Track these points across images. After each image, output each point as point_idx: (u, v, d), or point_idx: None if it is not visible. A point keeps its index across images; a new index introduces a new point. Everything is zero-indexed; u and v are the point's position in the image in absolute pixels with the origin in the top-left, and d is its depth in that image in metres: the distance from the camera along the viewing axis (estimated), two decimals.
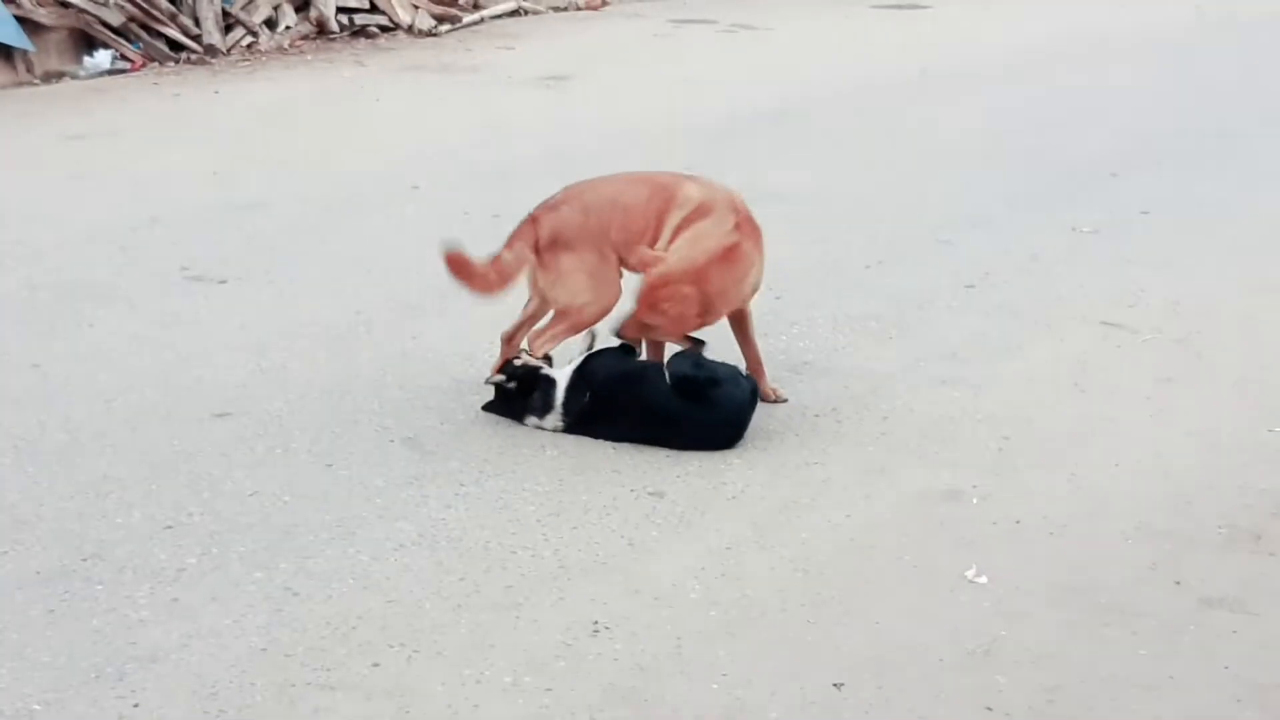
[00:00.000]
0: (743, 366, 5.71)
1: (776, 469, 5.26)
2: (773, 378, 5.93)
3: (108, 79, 12.32)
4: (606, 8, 16.91)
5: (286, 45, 13.67)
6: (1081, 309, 6.96)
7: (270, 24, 13.84)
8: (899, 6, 17.69)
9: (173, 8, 13.18)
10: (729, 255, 5.46)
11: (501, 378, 5.55)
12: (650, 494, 5.04)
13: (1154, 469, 5.35)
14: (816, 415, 5.72)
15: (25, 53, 12.23)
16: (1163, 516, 4.97)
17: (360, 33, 14.27)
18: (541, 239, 5.53)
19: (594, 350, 5.61)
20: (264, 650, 4.09)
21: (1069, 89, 12.78)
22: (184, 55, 12.97)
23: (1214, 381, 6.18)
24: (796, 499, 5.04)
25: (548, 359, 5.63)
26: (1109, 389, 6.07)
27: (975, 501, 5.05)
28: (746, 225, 5.55)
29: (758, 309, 5.77)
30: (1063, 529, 4.87)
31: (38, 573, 4.47)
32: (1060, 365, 6.30)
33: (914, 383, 6.05)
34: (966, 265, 7.57)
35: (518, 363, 5.59)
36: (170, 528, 4.75)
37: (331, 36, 14.02)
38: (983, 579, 4.53)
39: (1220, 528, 4.90)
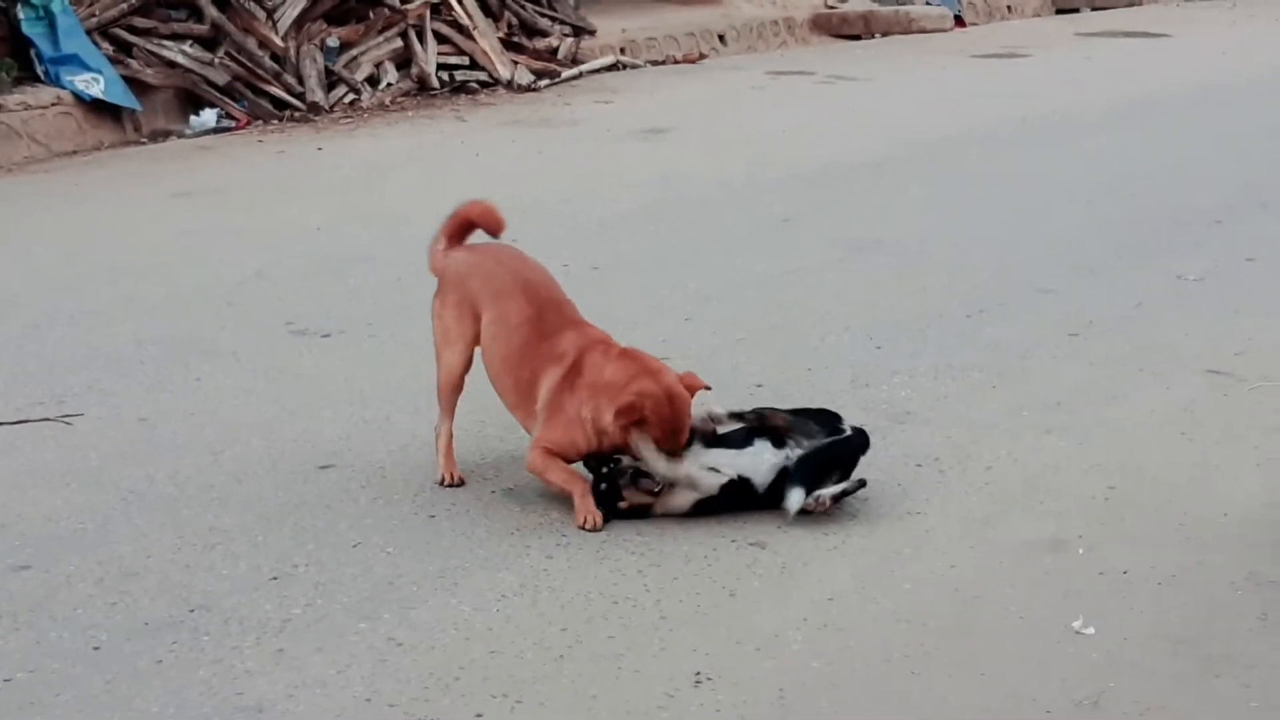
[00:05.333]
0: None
1: (878, 519, 5.23)
2: (874, 427, 5.91)
3: (213, 137, 12.51)
4: (704, 61, 16.98)
5: (388, 102, 13.83)
6: (1187, 357, 6.87)
7: (372, 81, 14.02)
8: (999, 55, 17.63)
9: (277, 66, 13.39)
10: None
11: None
12: (751, 545, 5.02)
13: (1263, 518, 5.26)
14: (919, 465, 5.69)
15: (133, 112, 12.47)
16: (1273, 566, 4.88)
17: (461, 89, 14.42)
18: None
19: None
20: (368, 701, 4.11)
21: (1171, 136, 12.66)
22: (288, 113, 13.16)
23: None
24: (899, 549, 5.01)
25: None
26: (1216, 438, 5.99)
27: (1081, 551, 4.99)
28: None
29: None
30: (1171, 579, 4.80)
31: (146, 624, 4.52)
32: (1166, 414, 6.22)
33: (1017, 432, 6.00)
34: (1069, 314, 7.51)
35: None
36: (276, 579, 4.79)
37: (432, 93, 14.18)
38: (1090, 630, 4.47)
39: None
